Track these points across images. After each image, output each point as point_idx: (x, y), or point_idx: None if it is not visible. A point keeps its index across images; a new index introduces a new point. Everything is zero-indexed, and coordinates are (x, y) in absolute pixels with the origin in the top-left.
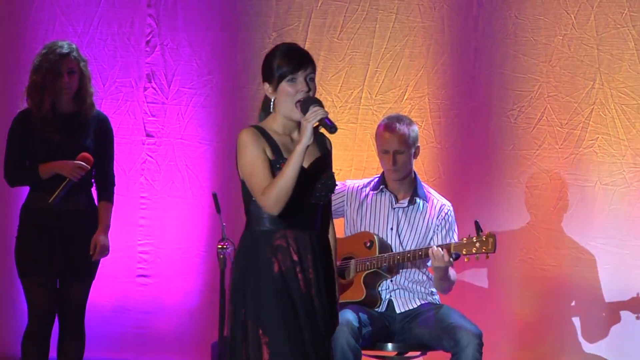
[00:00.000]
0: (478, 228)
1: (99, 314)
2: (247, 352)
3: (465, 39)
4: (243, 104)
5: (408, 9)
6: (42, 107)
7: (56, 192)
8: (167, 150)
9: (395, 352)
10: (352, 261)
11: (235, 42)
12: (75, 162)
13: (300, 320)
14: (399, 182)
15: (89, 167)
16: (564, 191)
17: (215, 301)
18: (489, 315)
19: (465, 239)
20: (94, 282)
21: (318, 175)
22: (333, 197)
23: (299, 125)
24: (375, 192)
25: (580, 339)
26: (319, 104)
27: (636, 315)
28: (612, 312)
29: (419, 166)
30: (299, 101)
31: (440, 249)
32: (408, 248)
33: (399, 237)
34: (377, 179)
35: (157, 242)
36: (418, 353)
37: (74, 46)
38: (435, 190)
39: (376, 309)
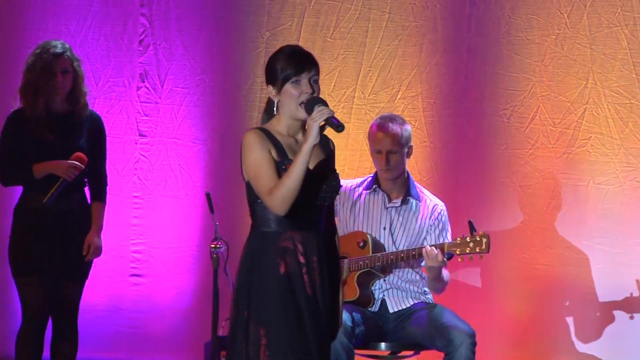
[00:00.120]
0: (472, 228)
1: (92, 314)
2: (247, 353)
3: (458, 38)
4: (236, 104)
5: (401, 8)
6: (36, 106)
7: (50, 192)
8: (160, 149)
9: (389, 352)
10: (345, 261)
11: (229, 41)
12: (70, 161)
13: (305, 321)
14: (392, 181)
15: (83, 166)
16: (557, 190)
17: (209, 301)
18: (482, 315)
19: (459, 239)
20: (87, 281)
21: (323, 176)
22: None
23: (303, 126)
24: (368, 191)
25: (574, 338)
26: (324, 103)
27: (629, 315)
28: (606, 312)
29: (412, 165)
30: (302, 102)
31: (434, 248)
32: (401, 247)
33: (392, 236)
34: (370, 178)
35: (150, 241)
36: (411, 352)
37: (67, 46)
38: (428, 190)
39: (369, 309)
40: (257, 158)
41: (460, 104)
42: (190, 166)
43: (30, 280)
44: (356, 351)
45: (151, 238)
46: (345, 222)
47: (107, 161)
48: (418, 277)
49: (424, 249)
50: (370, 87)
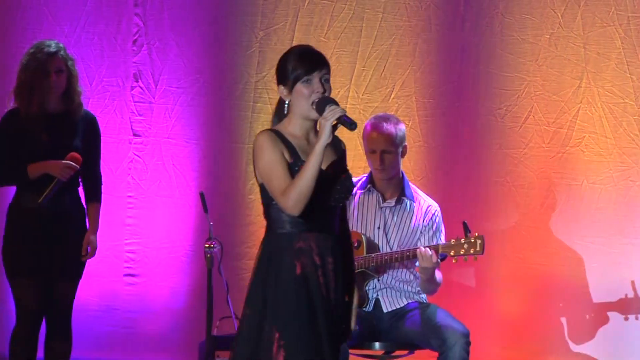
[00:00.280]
0: (466, 229)
1: (86, 314)
2: (261, 354)
3: (452, 37)
4: (230, 103)
5: (395, 8)
6: (30, 106)
7: (45, 192)
8: (154, 149)
9: (383, 351)
10: None
11: (222, 41)
12: (65, 162)
13: (319, 323)
14: (387, 181)
15: (78, 167)
16: (551, 190)
17: (203, 300)
18: (476, 315)
19: (453, 240)
20: (81, 281)
21: (336, 177)
22: None
23: (315, 127)
24: (362, 191)
25: (568, 338)
26: (335, 102)
27: (623, 315)
28: (599, 312)
29: (406, 165)
30: (314, 102)
31: (428, 249)
32: (395, 248)
33: (386, 236)
34: (364, 178)
35: (144, 241)
36: (405, 352)
37: (61, 45)
38: (422, 191)
39: (363, 308)
40: (269, 160)
41: (454, 103)
42: (184, 166)
43: (24, 281)
44: (350, 351)
45: (145, 238)
46: None
47: (101, 161)
48: (412, 277)
49: (418, 250)
50: (364, 87)
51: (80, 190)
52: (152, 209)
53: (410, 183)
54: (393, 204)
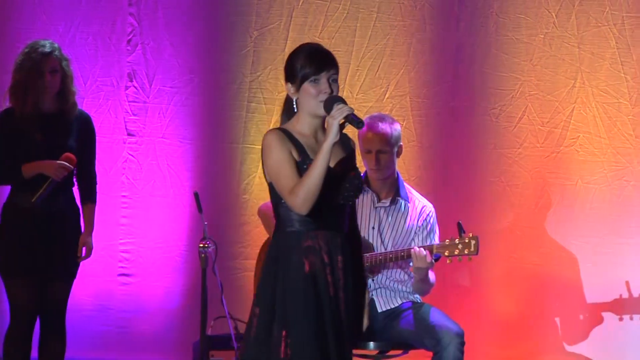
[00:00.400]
0: (460, 229)
1: (80, 314)
2: (268, 352)
3: (447, 37)
4: (225, 103)
5: (389, 7)
6: (25, 106)
7: (39, 192)
8: (148, 149)
9: (377, 351)
10: None
11: (217, 41)
12: (59, 162)
13: (325, 321)
14: (382, 181)
15: (72, 167)
16: (546, 190)
17: (197, 300)
18: (470, 314)
19: (447, 240)
20: (75, 281)
21: (345, 175)
22: None
23: (323, 125)
24: None
25: (562, 338)
26: (342, 101)
27: (618, 315)
28: (594, 311)
29: (400, 165)
30: (321, 102)
31: (422, 249)
32: (389, 248)
33: (381, 236)
34: None
35: (139, 241)
36: (400, 352)
37: (56, 45)
38: (416, 191)
39: None
40: (277, 159)
41: (449, 103)
42: (179, 165)
43: (18, 281)
44: None
45: (139, 237)
46: None
47: (95, 161)
48: (406, 276)
49: (412, 250)
50: (359, 87)
51: (75, 190)
52: (146, 209)
53: (405, 183)
54: (388, 204)
